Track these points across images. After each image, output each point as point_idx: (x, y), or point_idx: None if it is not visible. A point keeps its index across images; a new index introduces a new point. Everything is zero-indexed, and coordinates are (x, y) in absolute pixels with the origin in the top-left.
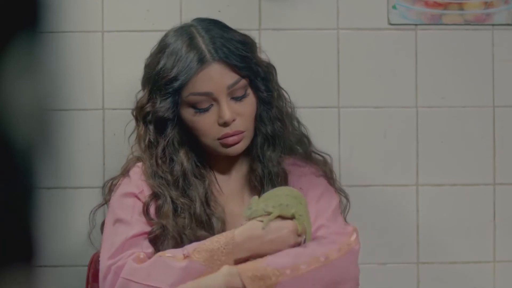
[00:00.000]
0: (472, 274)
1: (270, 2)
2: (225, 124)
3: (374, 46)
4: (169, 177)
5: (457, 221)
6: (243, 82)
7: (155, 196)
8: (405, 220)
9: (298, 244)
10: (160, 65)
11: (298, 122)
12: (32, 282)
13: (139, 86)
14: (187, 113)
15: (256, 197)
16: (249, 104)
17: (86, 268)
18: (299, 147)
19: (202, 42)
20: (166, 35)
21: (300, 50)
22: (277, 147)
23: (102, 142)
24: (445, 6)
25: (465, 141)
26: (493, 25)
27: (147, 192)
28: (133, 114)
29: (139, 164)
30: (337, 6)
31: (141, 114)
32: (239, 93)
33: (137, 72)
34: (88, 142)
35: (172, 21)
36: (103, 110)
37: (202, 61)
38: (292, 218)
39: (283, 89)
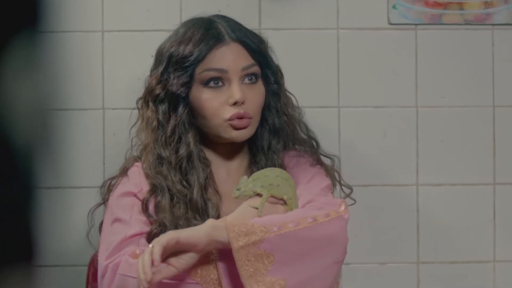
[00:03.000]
0: (472, 273)
1: (270, 2)
2: (235, 104)
3: (374, 46)
4: (173, 158)
5: (457, 220)
6: (256, 68)
7: (154, 191)
8: (405, 220)
9: None
10: (176, 44)
11: (306, 127)
12: (32, 282)
13: (139, 85)
14: (198, 92)
15: (245, 177)
16: (259, 92)
17: (86, 268)
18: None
19: (221, 26)
20: (184, 22)
21: (300, 50)
22: (281, 140)
23: (102, 142)
24: (445, 6)
25: (465, 141)
26: (493, 24)
27: (146, 190)
28: (137, 104)
29: (138, 163)
30: (337, 6)
31: (152, 95)
32: (250, 79)
33: (137, 71)
34: (88, 142)
35: (172, 21)
36: (103, 110)
37: (220, 39)
38: (282, 199)
39: (291, 93)
